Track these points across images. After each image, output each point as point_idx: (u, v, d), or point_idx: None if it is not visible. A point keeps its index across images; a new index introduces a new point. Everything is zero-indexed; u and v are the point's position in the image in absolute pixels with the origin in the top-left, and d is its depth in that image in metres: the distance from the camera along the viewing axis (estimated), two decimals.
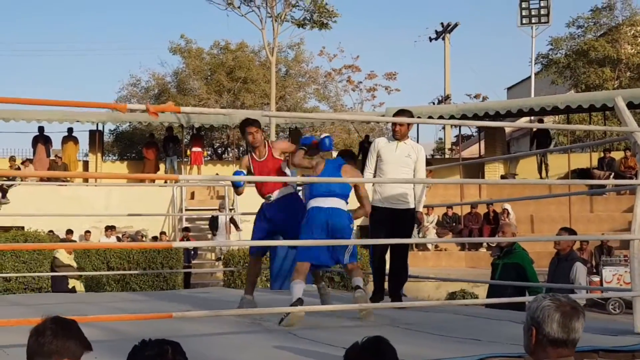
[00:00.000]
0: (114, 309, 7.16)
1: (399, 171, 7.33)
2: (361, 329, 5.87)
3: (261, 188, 7.19)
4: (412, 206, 7.47)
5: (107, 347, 4.78)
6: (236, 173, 7.07)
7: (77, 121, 24.39)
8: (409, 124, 7.52)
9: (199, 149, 25.88)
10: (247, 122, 7.19)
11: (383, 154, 7.43)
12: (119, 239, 19.92)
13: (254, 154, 7.27)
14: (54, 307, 7.51)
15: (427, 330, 5.74)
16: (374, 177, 7.47)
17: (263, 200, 7.25)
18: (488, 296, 8.21)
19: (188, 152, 25.55)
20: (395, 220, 7.35)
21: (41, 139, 24.73)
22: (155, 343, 2.80)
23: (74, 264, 14.54)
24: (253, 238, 7.24)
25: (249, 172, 7.18)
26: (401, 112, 7.72)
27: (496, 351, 4.61)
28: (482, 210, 22.34)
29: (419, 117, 23.32)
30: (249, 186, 7.48)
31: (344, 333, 5.62)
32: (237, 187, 7.08)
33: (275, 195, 7.12)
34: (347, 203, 6.84)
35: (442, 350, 4.75)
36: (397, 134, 7.38)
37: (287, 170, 7.28)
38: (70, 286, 14.20)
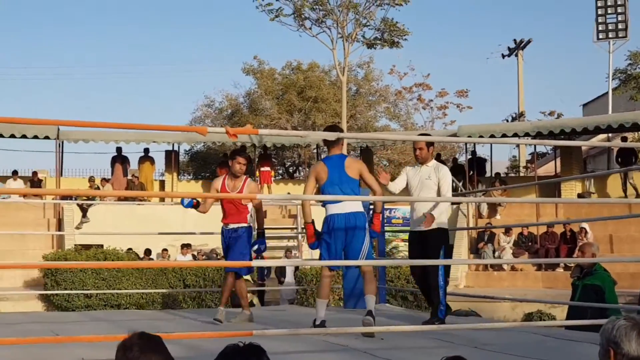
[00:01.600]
0: (192, 326, 7.29)
1: (422, 194, 7.44)
2: (439, 349, 5.86)
3: (225, 216, 8.26)
4: (436, 227, 7.38)
5: None
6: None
7: (154, 142, 24.87)
8: (428, 147, 7.46)
9: (268, 168, 26.10)
10: (241, 153, 8.16)
11: (409, 180, 7.56)
12: (194, 257, 20.21)
13: (228, 182, 8.16)
14: (134, 323, 7.68)
15: (505, 351, 5.69)
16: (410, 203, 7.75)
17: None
18: (568, 317, 8.07)
19: (257, 172, 25.80)
20: (423, 242, 7.39)
21: (119, 159, 25.31)
22: (244, 350, 2.91)
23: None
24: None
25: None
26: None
27: None
28: (558, 229, 21.93)
29: (492, 136, 23.27)
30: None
31: (422, 353, 5.62)
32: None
33: (232, 226, 8.24)
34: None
35: None
36: (418, 158, 7.51)
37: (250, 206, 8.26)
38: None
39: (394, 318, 8.07)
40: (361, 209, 7.05)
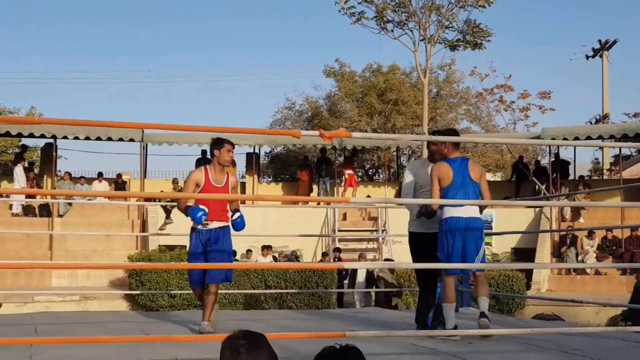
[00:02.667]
0: (280, 327, 7.36)
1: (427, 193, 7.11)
2: (529, 353, 5.81)
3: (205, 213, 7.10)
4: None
5: None
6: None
7: (236, 144, 25.16)
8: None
9: (351, 171, 26.24)
10: (228, 141, 7.32)
11: (418, 178, 7.19)
12: (275, 259, 20.41)
13: (213, 175, 7.28)
14: (220, 323, 7.79)
15: (596, 356, 5.59)
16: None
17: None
18: (634, 322, 7.93)
19: (345, 174, 25.92)
20: (431, 244, 7.08)
21: (204, 161, 25.69)
22: (342, 352, 2.96)
23: (388, 277, 14.88)
24: (190, 269, 7.54)
25: (200, 190, 7.18)
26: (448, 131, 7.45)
27: None
28: None
29: (576, 138, 22.84)
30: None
31: (511, 357, 5.58)
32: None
33: (215, 225, 7.30)
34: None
35: None
36: (437, 155, 7.09)
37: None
38: (393, 304, 14.63)
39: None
40: (479, 215, 6.89)
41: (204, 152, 25.52)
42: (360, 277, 17.68)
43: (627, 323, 8.06)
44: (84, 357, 5.42)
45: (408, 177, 7.26)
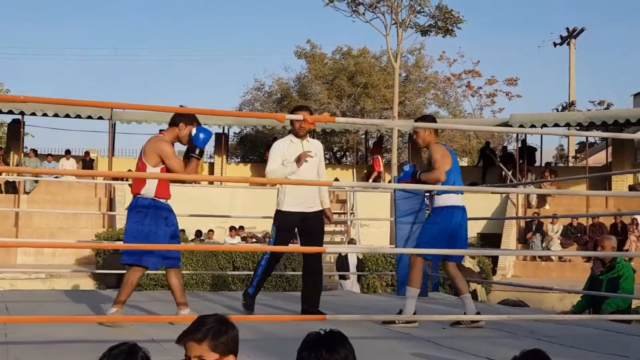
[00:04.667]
0: (256, 309, 7.38)
1: (311, 173, 7.00)
2: (503, 339, 5.90)
3: (165, 189, 6.40)
4: (321, 208, 7.18)
5: (256, 346, 4.99)
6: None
7: (205, 124, 25.01)
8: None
9: (378, 156, 26.91)
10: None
11: (289, 155, 6.96)
12: (244, 240, 20.40)
13: None
14: (191, 304, 7.79)
15: (569, 343, 5.69)
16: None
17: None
18: (593, 310, 8.09)
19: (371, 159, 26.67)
20: (307, 223, 7.08)
21: None
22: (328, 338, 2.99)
23: (476, 269, 14.47)
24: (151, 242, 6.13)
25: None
26: (300, 108, 6.97)
27: None
28: (608, 221, 21.74)
29: (544, 125, 23.09)
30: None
31: (486, 343, 5.65)
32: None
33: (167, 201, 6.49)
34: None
35: None
36: (302, 130, 6.96)
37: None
38: (471, 289, 14.23)
39: (450, 306, 8.10)
40: None
41: (162, 131, 25.39)
42: (352, 262, 17.06)
43: (586, 313, 8.21)
44: (60, 336, 5.40)
45: (276, 161, 7.04)
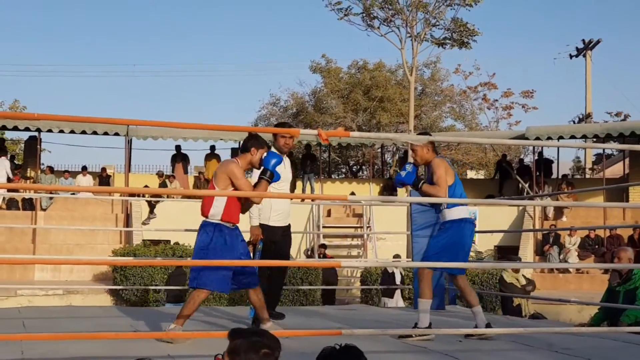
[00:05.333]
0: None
1: (286, 187, 7.32)
2: (519, 352, 5.86)
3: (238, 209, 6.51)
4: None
5: None
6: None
7: (221, 139, 25.12)
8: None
9: None
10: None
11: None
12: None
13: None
14: (209, 318, 7.78)
15: (587, 356, 5.64)
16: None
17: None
18: (611, 322, 8.01)
19: None
20: (284, 236, 7.45)
21: (179, 157, 25.68)
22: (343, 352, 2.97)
23: (519, 282, 14.25)
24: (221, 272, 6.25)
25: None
26: (282, 125, 7.61)
27: None
28: (625, 232, 21.61)
29: (561, 137, 23.01)
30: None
31: (499, 356, 5.62)
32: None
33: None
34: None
35: None
36: (287, 147, 7.16)
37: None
38: (515, 304, 13.86)
39: (467, 319, 8.05)
40: None
41: (177, 147, 25.53)
42: (398, 280, 16.78)
43: (603, 325, 8.14)
44: (76, 352, 5.41)
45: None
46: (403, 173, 6.80)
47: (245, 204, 6.53)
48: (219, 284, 6.29)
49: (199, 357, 5.38)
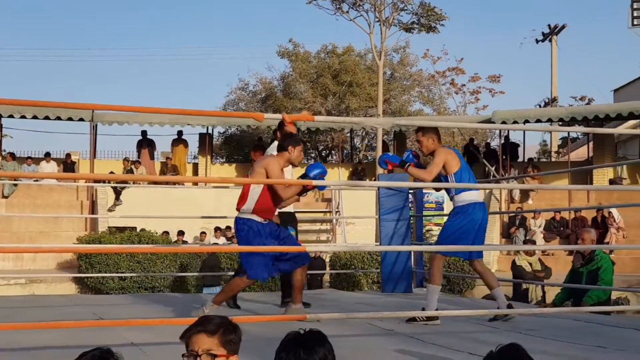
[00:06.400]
0: (232, 310, 7.32)
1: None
2: (485, 334, 5.88)
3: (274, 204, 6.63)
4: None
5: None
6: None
7: (188, 124, 24.85)
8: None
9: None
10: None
11: None
12: (229, 240, 20.27)
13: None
14: (172, 306, 7.73)
15: (551, 337, 5.68)
16: None
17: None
18: (575, 302, 8.10)
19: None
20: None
21: (145, 142, 25.42)
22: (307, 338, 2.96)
23: (531, 267, 14.14)
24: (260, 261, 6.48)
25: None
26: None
27: None
28: (589, 214, 21.84)
29: (527, 121, 23.16)
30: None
31: (465, 338, 5.63)
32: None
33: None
34: None
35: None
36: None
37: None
38: (522, 288, 13.98)
39: (439, 302, 8.06)
40: None
41: (143, 132, 25.29)
42: None
43: (566, 304, 8.23)
44: (38, 342, 5.32)
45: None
46: (403, 157, 6.94)
47: (277, 200, 6.56)
48: (257, 272, 6.47)
49: (162, 344, 5.32)
